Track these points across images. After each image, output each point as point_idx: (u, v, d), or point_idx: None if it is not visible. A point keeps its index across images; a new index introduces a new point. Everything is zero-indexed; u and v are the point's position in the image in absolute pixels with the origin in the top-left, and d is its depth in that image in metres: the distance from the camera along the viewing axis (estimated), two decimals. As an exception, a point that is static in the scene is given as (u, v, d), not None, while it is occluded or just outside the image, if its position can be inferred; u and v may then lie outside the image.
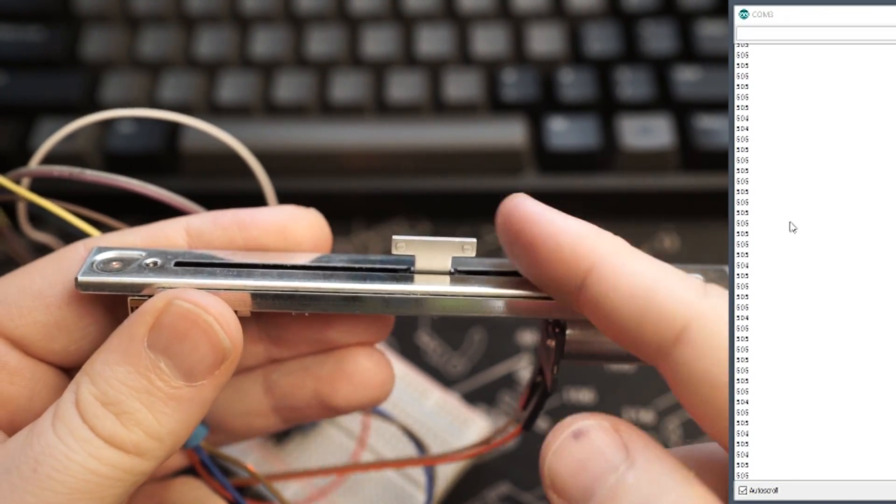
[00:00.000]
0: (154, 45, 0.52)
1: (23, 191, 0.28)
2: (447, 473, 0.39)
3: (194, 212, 0.29)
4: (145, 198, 0.29)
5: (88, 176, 0.29)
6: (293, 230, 0.28)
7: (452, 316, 0.27)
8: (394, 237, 0.26)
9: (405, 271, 0.27)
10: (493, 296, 0.27)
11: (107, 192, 0.30)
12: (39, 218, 0.29)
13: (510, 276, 0.27)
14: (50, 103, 0.50)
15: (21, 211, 0.31)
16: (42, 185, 0.30)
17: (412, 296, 0.27)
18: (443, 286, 0.27)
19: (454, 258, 0.27)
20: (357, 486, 0.39)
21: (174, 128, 0.49)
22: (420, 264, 0.27)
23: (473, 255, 0.27)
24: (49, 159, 0.30)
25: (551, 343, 0.28)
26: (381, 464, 0.35)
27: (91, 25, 0.53)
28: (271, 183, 0.33)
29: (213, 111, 0.50)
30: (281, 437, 0.39)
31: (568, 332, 0.27)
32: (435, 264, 0.27)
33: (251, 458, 0.39)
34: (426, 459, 0.34)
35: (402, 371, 0.42)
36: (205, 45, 0.52)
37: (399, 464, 0.35)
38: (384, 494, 0.38)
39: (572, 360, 0.28)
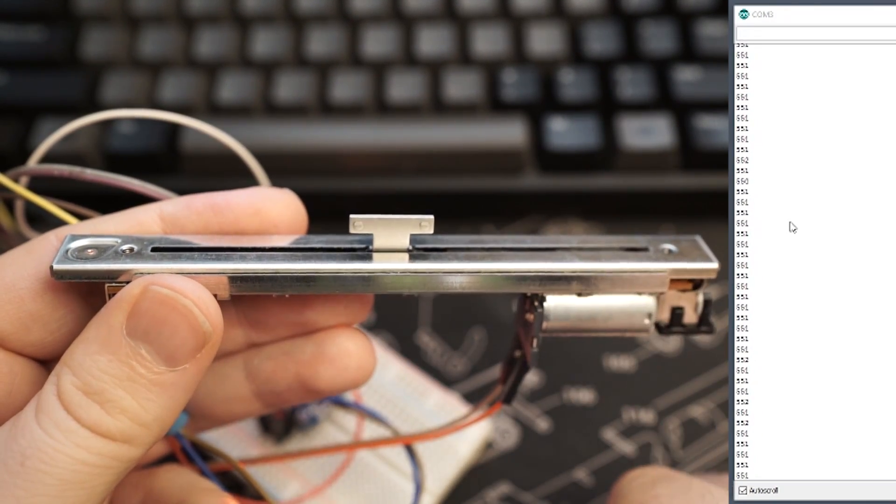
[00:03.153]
0: (154, 45, 0.52)
1: (20, 189, 0.28)
2: (447, 473, 0.39)
3: None
4: (145, 197, 0.29)
5: (88, 175, 0.28)
6: (268, 212, 0.28)
7: (433, 293, 0.28)
8: (351, 216, 0.26)
9: (363, 250, 0.27)
10: (457, 272, 0.27)
11: (107, 192, 0.30)
12: (40, 218, 0.29)
13: (475, 251, 0.28)
14: (50, 103, 0.50)
15: (19, 210, 0.31)
16: (43, 185, 0.30)
17: (393, 274, 0.27)
18: (427, 264, 0.27)
19: (412, 235, 0.27)
20: (354, 484, 0.39)
21: (174, 128, 0.49)
22: (378, 242, 0.27)
23: (431, 231, 0.27)
24: (49, 159, 0.30)
25: (530, 317, 0.28)
26: (357, 445, 0.34)
27: (91, 25, 0.53)
28: (271, 183, 0.33)
29: (213, 111, 0.50)
30: (281, 435, 0.39)
31: (546, 305, 0.27)
32: (393, 242, 0.27)
33: (250, 456, 0.39)
34: (402, 438, 0.34)
35: (402, 371, 0.42)
36: (205, 45, 0.52)
37: (374, 444, 0.35)
38: (381, 492, 0.38)
39: (551, 334, 0.28)
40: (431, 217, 0.27)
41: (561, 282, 0.27)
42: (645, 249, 0.28)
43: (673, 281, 0.28)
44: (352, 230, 0.27)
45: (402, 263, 0.27)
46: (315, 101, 0.50)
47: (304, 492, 0.38)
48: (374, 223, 0.27)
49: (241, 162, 0.32)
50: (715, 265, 0.27)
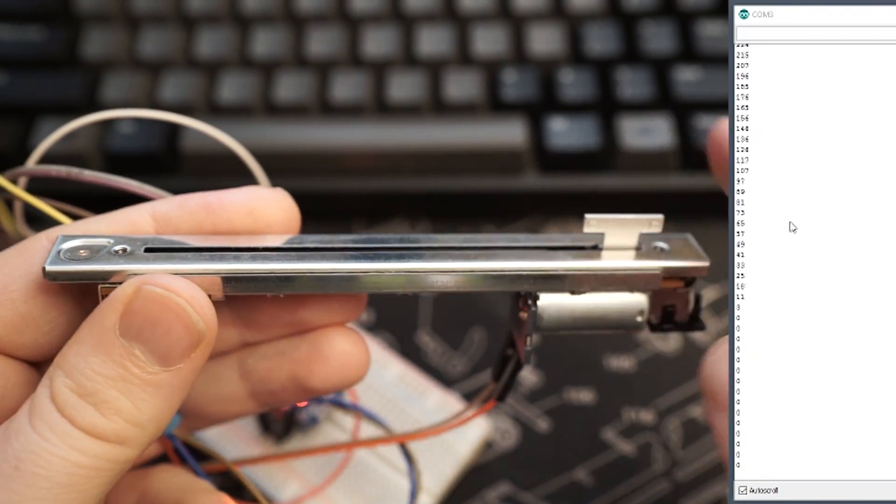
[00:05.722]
0: (154, 45, 0.52)
1: (16, 189, 0.28)
2: (447, 474, 0.39)
3: None
4: (144, 198, 0.29)
5: (87, 176, 0.28)
6: (262, 211, 0.28)
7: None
8: (586, 216, 0.27)
9: (359, 249, 0.27)
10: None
11: (105, 193, 0.30)
12: (39, 218, 0.29)
13: (469, 251, 0.28)
14: (50, 103, 0.50)
15: (17, 211, 0.31)
16: (42, 186, 0.30)
17: (384, 274, 0.27)
18: (414, 263, 0.27)
19: (641, 234, 0.28)
20: (353, 483, 0.39)
21: (174, 128, 0.49)
22: (609, 241, 0.28)
23: (660, 230, 0.28)
24: (49, 159, 0.30)
25: (524, 315, 0.28)
26: (351, 444, 0.35)
27: (91, 25, 0.53)
28: (271, 183, 0.33)
29: (213, 111, 0.50)
30: (280, 435, 0.39)
31: (540, 303, 0.27)
32: (623, 241, 0.28)
33: (250, 455, 0.39)
34: (396, 437, 0.34)
35: (402, 371, 0.42)
36: (205, 45, 0.52)
37: (367, 443, 0.35)
38: (381, 491, 0.38)
39: (544, 332, 0.28)
40: (661, 217, 0.27)
41: (554, 280, 0.27)
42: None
43: (665, 279, 0.28)
44: (586, 229, 0.27)
45: (390, 263, 0.27)
46: (315, 101, 0.50)
47: (304, 491, 0.38)
48: (608, 222, 0.27)
49: (241, 162, 0.32)
50: (706, 263, 0.28)
